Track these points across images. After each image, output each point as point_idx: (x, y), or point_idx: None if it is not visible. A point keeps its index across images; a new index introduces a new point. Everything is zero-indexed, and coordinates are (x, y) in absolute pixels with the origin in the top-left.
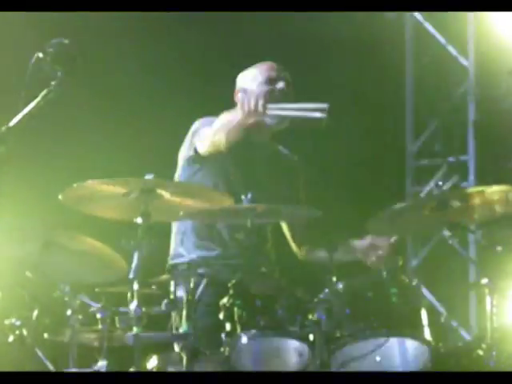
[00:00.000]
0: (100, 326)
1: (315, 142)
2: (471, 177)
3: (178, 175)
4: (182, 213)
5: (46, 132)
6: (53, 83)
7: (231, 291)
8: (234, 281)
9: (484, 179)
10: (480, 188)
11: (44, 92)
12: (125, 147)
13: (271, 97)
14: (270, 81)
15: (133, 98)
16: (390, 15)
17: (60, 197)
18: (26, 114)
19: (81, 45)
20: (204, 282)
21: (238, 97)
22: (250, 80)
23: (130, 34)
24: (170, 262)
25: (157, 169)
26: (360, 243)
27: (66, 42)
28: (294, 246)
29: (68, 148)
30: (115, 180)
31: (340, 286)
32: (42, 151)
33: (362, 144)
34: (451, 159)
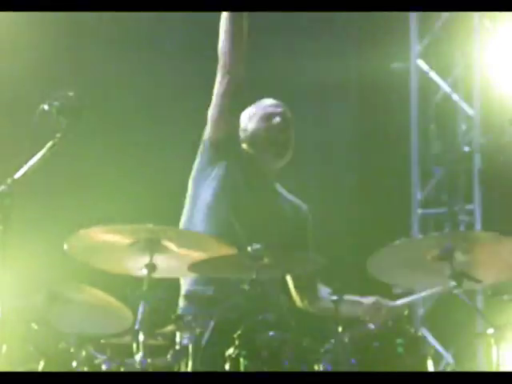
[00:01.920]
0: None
1: (319, 187)
2: (478, 226)
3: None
4: (187, 266)
5: (52, 182)
6: (58, 135)
7: (237, 342)
8: (239, 332)
9: (491, 228)
10: (487, 235)
11: (49, 144)
12: (132, 197)
13: (268, 133)
14: (267, 117)
15: (139, 146)
16: (396, 65)
17: (65, 246)
18: (31, 166)
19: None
20: (209, 332)
21: (240, 135)
22: (248, 119)
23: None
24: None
25: (163, 218)
26: (365, 301)
27: (71, 94)
28: (295, 295)
29: (74, 199)
30: (121, 227)
31: (346, 335)
32: (48, 202)
33: (368, 193)
34: (457, 208)
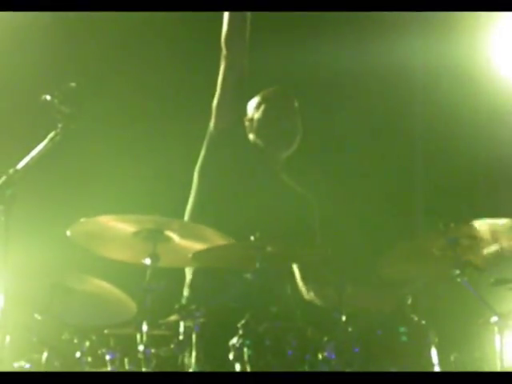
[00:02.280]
0: (109, 368)
1: (328, 180)
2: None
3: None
4: (190, 256)
5: (55, 172)
6: (60, 125)
7: (240, 331)
8: (243, 321)
9: None
10: (489, 221)
11: (51, 134)
12: (136, 185)
13: (274, 123)
14: (273, 107)
15: (143, 138)
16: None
17: (68, 232)
18: (34, 157)
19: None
20: (213, 322)
21: (246, 125)
22: (255, 108)
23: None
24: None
25: (167, 209)
26: (369, 291)
27: (74, 84)
28: (301, 284)
29: (77, 188)
30: (125, 216)
31: (349, 324)
32: (51, 191)
33: (372, 192)
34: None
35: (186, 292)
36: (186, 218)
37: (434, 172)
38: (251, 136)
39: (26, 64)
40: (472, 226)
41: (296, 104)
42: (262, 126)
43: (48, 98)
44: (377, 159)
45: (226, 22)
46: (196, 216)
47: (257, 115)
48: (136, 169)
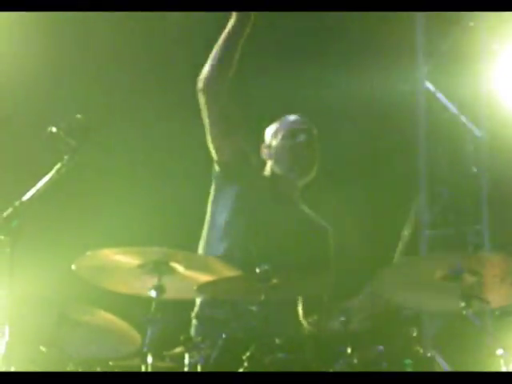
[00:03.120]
0: None
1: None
2: (486, 247)
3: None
4: (195, 288)
5: (61, 204)
6: (66, 157)
7: (245, 364)
8: (248, 353)
9: (499, 248)
10: (494, 257)
11: (57, 166)
12: (143, 216)
13: (293, 151)
14: (292, 134)
15: (150, 167)
16: (404, 86)
17: (73, 266)
18: (40, 188)
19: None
20: (218, 354)
21: (264, 152)
22: (273, 135)
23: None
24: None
25: (175, 241)
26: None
27: (80, 116)
28: (302, 315)
29: (83, 220)
30: (129, 249)
31: (354, 356)
32: (57, 223)
33: (376, 215)
34: (465, 229)
35: (194, 323)
36: (200, 249)
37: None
38: (268, 163)
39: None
40: (478, 260)
41: (315, 131)
42: (280, 153)
43: (54, 129)
44: (381, 182)
45: (210, 67)
46: (208, 246)
47: (275, 142)
48: (142, 200)
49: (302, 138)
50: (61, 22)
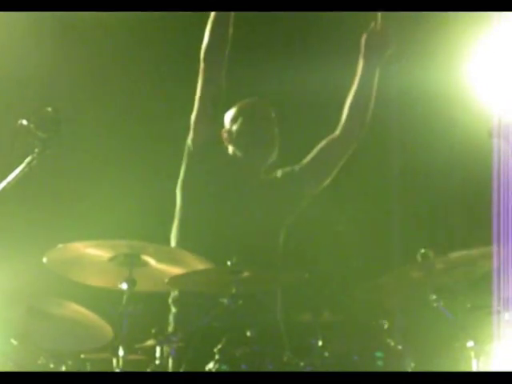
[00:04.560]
0: None
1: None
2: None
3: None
4: (167, 280)
5: (31, 197)
6: (36, 150)
7: (217, 356)
8: (219, 345)
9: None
10: (464, 252)
11: (28, 159)
12: (115, 209)
13: (252, 134)
14: (250, 117)
15: (122, 159)
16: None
17: (44, 259)
18: (10, 181)
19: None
20: (190, 347)
21: (225, 136)
22: (232, 119)
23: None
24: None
25: (148, 232)
26: None
27: (50, 109)
28: (278, 309)
29: (54, 214)
30: (100, 242)
31: (326, 349)
32: (27, 216)
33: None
34: None
35: (172, 309)
36: (172, 239)
37: (410, 200)
38: (230, 148)
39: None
40: (449, 257)
41: (273, 114)
42: (240, 137)
43: (24, 122)
44: (353, 187)
45: (207, 36)
46: (181, 237)
47: (235, 127)
48: (114, 193)
49: (260, 120)
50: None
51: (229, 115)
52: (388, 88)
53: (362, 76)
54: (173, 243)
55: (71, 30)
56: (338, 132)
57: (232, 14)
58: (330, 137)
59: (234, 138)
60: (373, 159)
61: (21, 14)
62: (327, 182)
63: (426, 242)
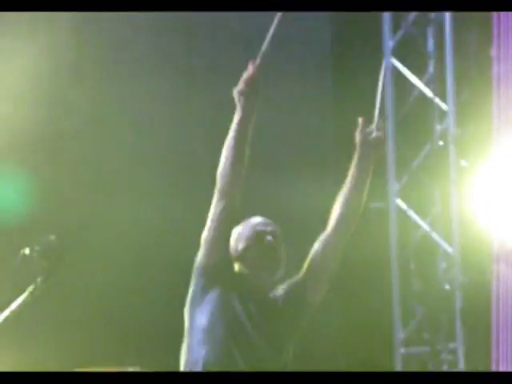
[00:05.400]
0: None
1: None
2: (461, 365)
3: None
4: None
5: (34, 326)
6: (39, 279)
7: None
8: None
9: (474, 366)
10: None
11: (30, 288)
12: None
13: (260, 253)
14: (258, 237)
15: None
16: (375, 204)
17: None
18: (13, 311)
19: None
20: None
21: (231, 254)
22: (238, 238)
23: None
24: None
25: None
26: None
27: (53, 238)
28: None
29: (56, 341)
30: None
31: None
32: (31, 347)
33: (350, 333)
34: (440, 347)
35: None
36: (182, 353)
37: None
38: (237, 265)
39: None
40: None
41: (280, 233)
42: (247, 256)
43: (27, 251)
44: (353, 294)
45: (225, 156)
46: (188, 351)
47: (241, 245)
48: (116, 318)
49: (268, 239)
50: None
51: (235, 233)
52: None
53: (357, 174)
54: (182, 365)
55: None
56: (330, 229)
57: (249, 137)
58: (323, 237)
59: (241, 256)
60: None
61: None
62: (328, 285)
63: None
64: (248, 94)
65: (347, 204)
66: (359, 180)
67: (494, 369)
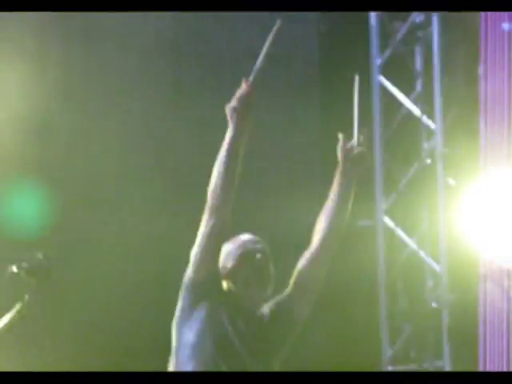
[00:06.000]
0: None
1: None
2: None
3: None
4: None
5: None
6: (26, 297)
7: None
8: None
9: None
10: None
11: (18, 307)
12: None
13: (250, 271)
14: (247, 255)
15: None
16: (363, 222)
17: None
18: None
19: None
20: None
21: (220, 273)
22: (227, 256)
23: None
24: None
25: None
26: None
27: (41, 255)
28: None
29: (42, 359)
30: None
31: None
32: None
33: (335, 352)
34: (426, 365)
35: None
36: (171, 368)
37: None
38: (225, 283)
39: None
40: None
41: (269, 251)
42: (236, 274)
43: (15, 269)
44: (340, 317)
45: (216, 175)
46: (176, 366)
47: (230, 263)
48: (104, 337)
49: (258, 257)
50: None
51: (223, 251)
52: None
53: (340, 191)
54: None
55: None
56: (314, 246)
57: (241, 155)
58: (308, 253)
59: (230, 274)
60: None
61: None
62: (313, 301)
63: None
64: (241, 111)
65: (330, 220)
66: (342, 197)
67: None
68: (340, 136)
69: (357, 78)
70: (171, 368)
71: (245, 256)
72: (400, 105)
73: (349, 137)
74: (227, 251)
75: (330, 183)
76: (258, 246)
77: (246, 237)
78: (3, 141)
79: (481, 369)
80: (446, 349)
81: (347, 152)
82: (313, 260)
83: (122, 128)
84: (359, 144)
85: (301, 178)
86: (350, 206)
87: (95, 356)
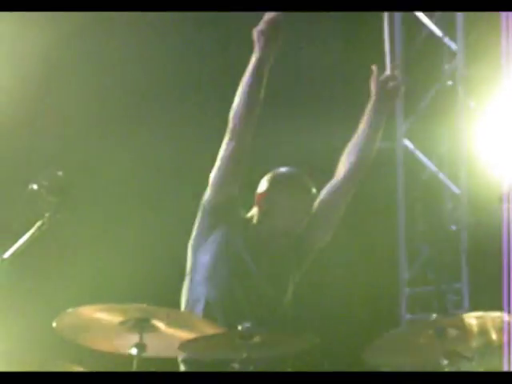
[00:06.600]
0: None
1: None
2: (465, 304)
3: None
4: (177, 345)
5: (41, 261)
6: (47, 215)
7: None
8: None
9: (479, 306)
10: (477, 314)
11: (38, 223)
12: (124, 271)
13: (289, 206)
14: (294, 189)
15: (130, 220)
16: (383, 144)
17: (53, 324)
18: (20, 246)
19: None
20: None
21: (257, 201)
22: (272, 185)
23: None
24: None
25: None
26: None
27: (60, 173)
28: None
29: (64, 278)
30: (110, 306)
31: None
32: (37, 281)
33: (355, 273)
34: (445, 287)
35: (181, 367)
36: (183, 298)
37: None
38: (258, 212)
39: None
40: (460, 317)
41: (314, 189)
42: (277, 205)
43: (35, 187)
44: (357, 249)
45: (239, 97)
46: (191, 290)
47: (273, 193)
48: (123, 254)
49: (299, 193)
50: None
51: (266, 181)
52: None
53: (372, 123)
54: (183, 304)
55: None
56: (338, 179)
57: (265, 78)
58: (330, 186)
59: (267, 205)
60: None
61: None
62: (332, 232)
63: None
64: (269, 34)
65: (360, 153)
66: (373, 130)
67: (505, 310)
68: (374, 68)
69: (386, 14)
70: (185, 290)
71: (291, 190)
72: (422, 25)
73: (381, 69)
74: (272, 180)
75: (352, 105)
76: (303, 183)
77: (291, 171)
78: None
79: (504, 291)
80: (465, 271)
81: (381, 85)
82: (338, 191)
83: (122, 127)
84: (394, 78)
85: (324, 100)
86: (379, 139)
87: (113, 279)
